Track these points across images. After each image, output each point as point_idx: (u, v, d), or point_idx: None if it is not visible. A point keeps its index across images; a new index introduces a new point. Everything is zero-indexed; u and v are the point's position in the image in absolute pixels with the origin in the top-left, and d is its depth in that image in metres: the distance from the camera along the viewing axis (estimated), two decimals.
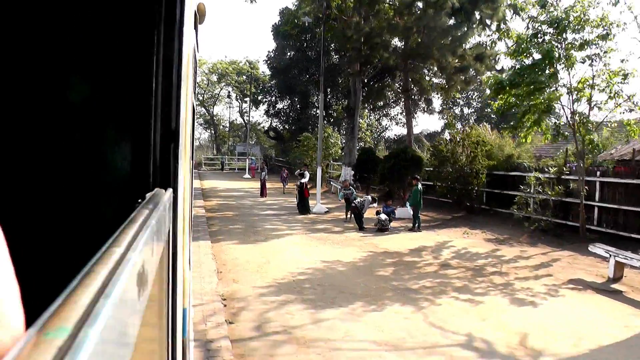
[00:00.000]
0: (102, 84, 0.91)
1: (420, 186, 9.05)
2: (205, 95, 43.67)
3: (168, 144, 0.85)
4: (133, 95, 0.89)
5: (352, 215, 9.60)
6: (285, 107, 32.90)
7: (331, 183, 16.78)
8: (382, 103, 28.85)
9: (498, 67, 13.82)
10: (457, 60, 13.68)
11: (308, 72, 29.13)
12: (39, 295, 0.46)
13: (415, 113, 30.40)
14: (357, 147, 17.46)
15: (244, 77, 40.60)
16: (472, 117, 34.89)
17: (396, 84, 23.60)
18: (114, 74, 0.91)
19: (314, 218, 10.61)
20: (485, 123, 13.67)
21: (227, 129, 47.53)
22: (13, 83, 0.86)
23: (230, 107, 46.18)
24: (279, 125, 34.10)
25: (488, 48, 13.69)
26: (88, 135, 0.89)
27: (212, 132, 46.72)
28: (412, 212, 9.14)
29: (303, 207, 11.02)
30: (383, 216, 8.65)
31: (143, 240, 0.45)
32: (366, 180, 13.83)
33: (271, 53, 30.46)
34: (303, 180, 11.12)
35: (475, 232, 8.82)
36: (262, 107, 34.93)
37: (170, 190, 0.80)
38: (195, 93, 1.94)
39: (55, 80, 0.87)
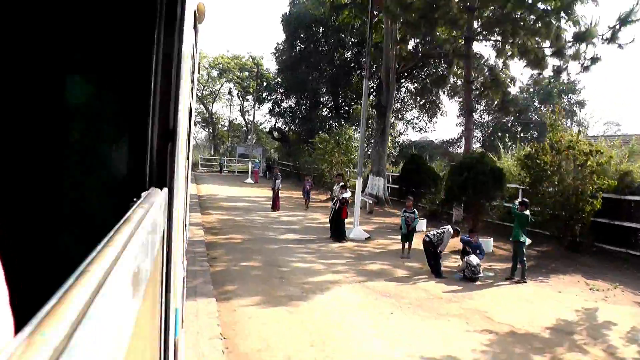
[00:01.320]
0: (101, 82, 1.14)
1: (529, 213, 8.23)
2: (204, 91, 49.01)
3: (165, 144, 1.04)
4: (131, 94, 1.12)
5: (408, 247, 9.29)
6: (291, 106, 36.84)
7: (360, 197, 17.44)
8: (399, 105, 32.65)
9: (588, 55, 12.74)
10: (547, 43, 12.97)
11: (319, 69, 32.28)
12: (34, 295, 0.60)
13: (435, 116, 33.55)
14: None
15: (247, 73, 45.06)
16: (490, 125, 38.27)
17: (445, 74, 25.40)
18: (113, 73, 1.15)
19: (355, 248, 9.98)
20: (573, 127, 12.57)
21: (225, 128, 52.17)
22: (11, 82, 1.11)
23: (230, 105, 50.75)
24: (284, 126, 38.00)
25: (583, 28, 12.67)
26: (85, 134, 1.10)
27: (210, 131, 51.32)
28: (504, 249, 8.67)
29: (338, 231, 10.58)
30: (474, 259, 7.80)
31: (138, 240, 0.58)
32: (413, 196, 13.42)
33: (280, 45, 34.05)
34: (345, 196, 10.62)
35: (601, 284, 8.01)
36: (266, 106, 39.17)
37: (165, 189, 0.98)
38: (194, 93, 2.21)
39: (53, 79, 1.12)
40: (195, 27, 1.73)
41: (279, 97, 36.87)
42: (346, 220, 10.87)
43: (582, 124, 37.24)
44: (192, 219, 10.75)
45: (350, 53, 32.08)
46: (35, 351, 0.27)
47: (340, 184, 10.82)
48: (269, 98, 37.84)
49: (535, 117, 35.59)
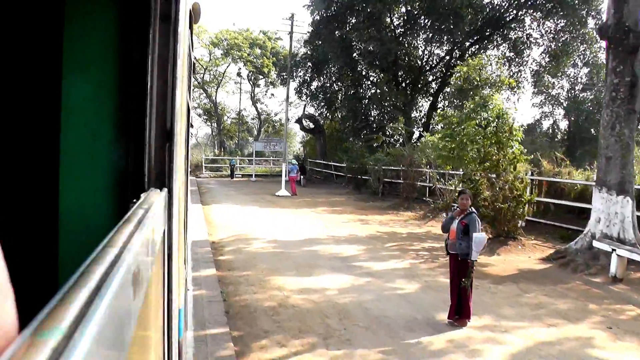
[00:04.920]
0: (96, 82, 1.13)
1: None
2: (205, 75, 39.69)
3: (163, 144, 1.04)
4: (128, 95, 1.10)
5: None
6: (326, 85, 27.54)
7: (572, 247, 8.33)
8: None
9: None
10: None
11: (370, 26, 22.63)
12: (34, 296, 0.60)
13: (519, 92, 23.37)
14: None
15: (259, 50, 37.31)
16: (590, 104, 28.37)
17: None
18: (108, 73, 1.14)
19: None
20: None
21: (230, 121, 43.57)
22: (6, 82, 1.11)
23: (240, 90, 41.68)
24: (319, 113, 29.04)
25: None
26: (83, 135, 1.11)
27: (214, 125, 43.17)
28: None
29: None
30: None
31: (138, 241, 0.59)
32: None
33: None
34: None
35: None
36: (278, 93, 31.29)
37: (165, 190, 0.98)
38: (190, 92, 2.24)
39: (50, 80, 1.11)
40: (190, 27, 1.75)
41: (308, 73, 27.23)
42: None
43: None
44: None
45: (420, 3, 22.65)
46: (35, 353, 0.27)
47: None
48: (295, 76, 28.08)
49: None
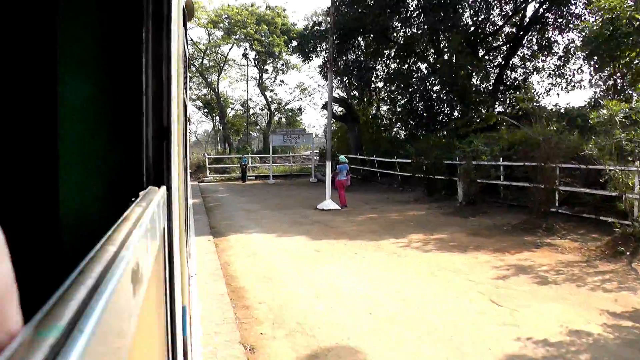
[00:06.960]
0: (92, 82, 1.14)
1: None
2: (204, 60, 34.33)
3: (160, 142, 1.04)
4: (123, 94, 1.11)
5: None
6: (358, 60, 21.67)
7: None
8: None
9: None
10: None
11: None
12: (32, 295, 0.61)
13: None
14: None
15: (266, 26, 31.87)
16: None
17: None
18: (104, 73, 1.14)
19: None
20: None
21: (239, 112, 37.81)
22: (6, 85, 1.11)
23: (246, 76, 36.04)
24: (351, 96, 23.33)
25: None
26: (81, 135, 1.11)
27: (217, 118, 37.36)
28: None
29: None
30: None
31: (137, 238, 0.58)
32: None
33: None
34: None
35: None
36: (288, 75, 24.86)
37: (164, 187, 0.98)
38: (187, 90, 2.24)
39: (46, 81, 1.11)
40: (184, 24, 1.75)
41: (337, 42, 19.95)
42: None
43: None
44: None
45: None
46: (33, 351, 0.27)
47: None
48: (318, 49, 22.67)
49: None
